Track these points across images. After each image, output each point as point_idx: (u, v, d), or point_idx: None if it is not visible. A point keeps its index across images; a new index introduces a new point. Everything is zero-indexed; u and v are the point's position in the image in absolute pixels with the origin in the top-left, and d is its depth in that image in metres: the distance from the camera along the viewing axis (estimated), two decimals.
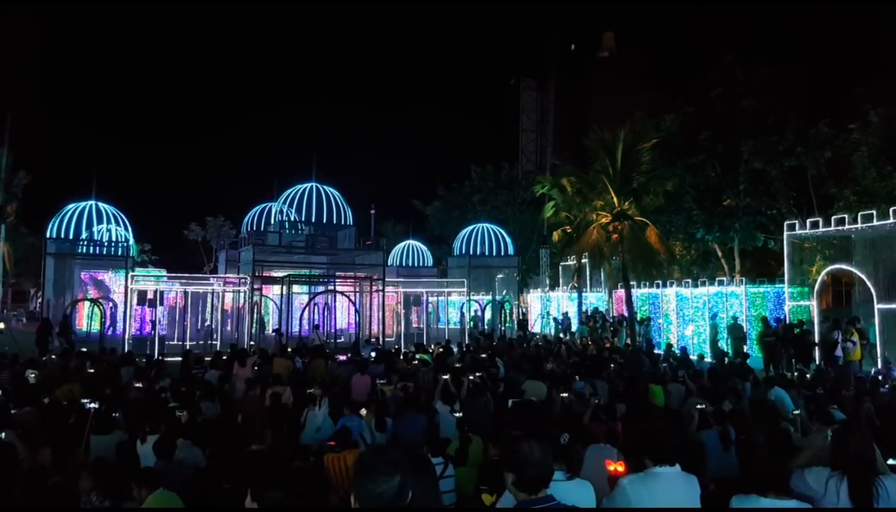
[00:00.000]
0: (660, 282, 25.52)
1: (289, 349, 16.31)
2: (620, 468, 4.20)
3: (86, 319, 26.31)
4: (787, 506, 3.24)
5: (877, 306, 16.37)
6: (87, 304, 25.68)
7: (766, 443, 3.42)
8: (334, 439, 6.41)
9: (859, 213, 17.01)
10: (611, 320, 26.11)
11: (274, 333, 22.63)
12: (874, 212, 16.62)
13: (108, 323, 23.14)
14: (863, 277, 17.03)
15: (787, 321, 18.45)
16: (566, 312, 29.09)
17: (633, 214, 22.99)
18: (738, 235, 28.93)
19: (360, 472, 2.27)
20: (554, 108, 69.24)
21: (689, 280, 25.53)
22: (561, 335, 26.12)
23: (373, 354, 15.05)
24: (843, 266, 18.33)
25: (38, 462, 5.74)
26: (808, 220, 18.95)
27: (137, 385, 10.02)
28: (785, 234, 19.35)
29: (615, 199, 23.18)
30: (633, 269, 24.12)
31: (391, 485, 2.15)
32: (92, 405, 7.41)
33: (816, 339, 17.40)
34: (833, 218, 17.75)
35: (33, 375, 11.01)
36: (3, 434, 5.63)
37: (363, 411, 7.16)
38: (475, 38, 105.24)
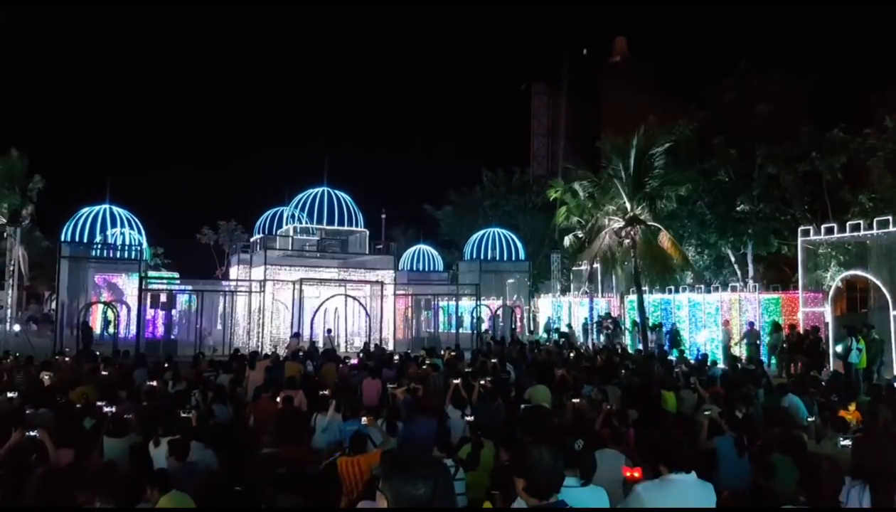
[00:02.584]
0: (672, 287, 25.35)
1: (300, 353, 16.36)
2: (637, 474, 4.18)
3: (99, 322, 26.57)
4: None
5: (892, 313, 16.18)
6: (100, 306, 25.92)
7: (831, 468, 3.39)
8: (350, 444, 6.42)
9: (875, 219, 16.83)
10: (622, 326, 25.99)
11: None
12: (890, 218, 16.42)
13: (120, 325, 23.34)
14: (878, 283, 16.84)
15: (801, 328, 18.27)
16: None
17: (645, 219, 22.88)
18: (751, 241, 28.72)
19: (394, 473, 2.23)
20: (565, 113, 69.23)
21: (702, 285, 25.35)
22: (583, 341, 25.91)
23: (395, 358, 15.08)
24: (859, 272, 18.14)
25: (58, 463, 5.79)
26: (822, 226, 18.76)
27: (152, 384, 10.14)
28: (799, 239, 19.18)
29: (628, 204, 23.07)
30: (647, 274, 23.99)
31: (428, 487, 2.13)
32: (108, 409, 7.47)
33: (830, 345, 17.24)
34: (848, 224, 17.56)
35: (48, 377, 11.13)
36: (36, 432, 5.69)
37: (364, 420, 7.16)
38: (486, 44, 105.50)
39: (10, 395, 8.71)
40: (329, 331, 23.46)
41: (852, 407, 8.00)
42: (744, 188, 28.29)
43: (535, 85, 72.85)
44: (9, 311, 25.91)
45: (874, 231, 16.49)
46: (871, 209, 24.20)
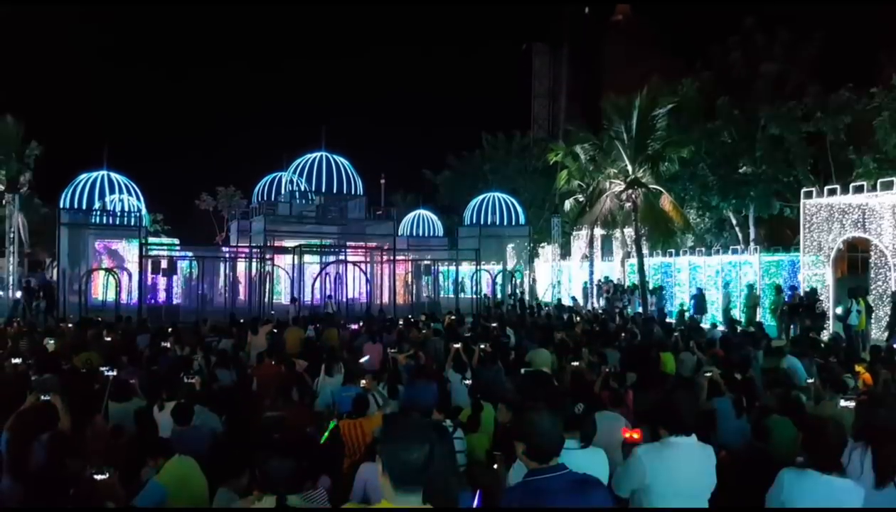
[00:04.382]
0: (672, 251, 25.36)
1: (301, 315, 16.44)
2: (636, 436, 4.21)
3: (101, 289, 26.67)
4: (845, 485, 3.29)
5: (894, 275, 16.20)
6: (101, 273, 25.99)
7: (834, 429, 3.40)
8: (352, 406, 6.50)
9: (878, 181, 16.70)
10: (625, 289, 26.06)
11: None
12: (894, 179, 16.30)
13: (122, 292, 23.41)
14: (880, 245, 16.82)
15: (802, 290, 18.31)
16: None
17: (647, 182, 22.73)
18: (753, 203, 28.58)
19: (389, 439, 2.29)
20: (567, 74, 68.21)
21: (703, 248, 25.34)
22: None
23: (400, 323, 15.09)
24: (861, 234, 18.08)
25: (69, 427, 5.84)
26: (825, 188, 18.63)
27: (165, 345, 10.24)
28: (802, 201, 19.10)
29: (629, 167, 22.91)
30: (648, 237, 23.96)
31: (421, 453, 2.18)
32: (110, 373, 7.51)
33: (830, 307, 17.32)
34: (851, 185, 17.45)
35: (52, 343, 11.20)
36: (50, 396, 5.72)
37: (363, 382, 7.22)
38: (485, 4, 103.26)
39: (14, 361, 8.77)
40: (329, 297, 23.47)
41: (860, 368, 8.07)
42: (747, 150, 28.03)
43: (535, 46, 71.52)
44: (11, 278, 25.94)
45: (877, 192, 16.38)
46: (874, 170, 23.99)
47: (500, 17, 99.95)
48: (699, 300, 21.50)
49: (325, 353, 9.82)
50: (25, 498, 4.14)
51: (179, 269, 24.99)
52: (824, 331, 16.36)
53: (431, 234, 38.50)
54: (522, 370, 8.35)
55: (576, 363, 8.34)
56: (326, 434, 6.08)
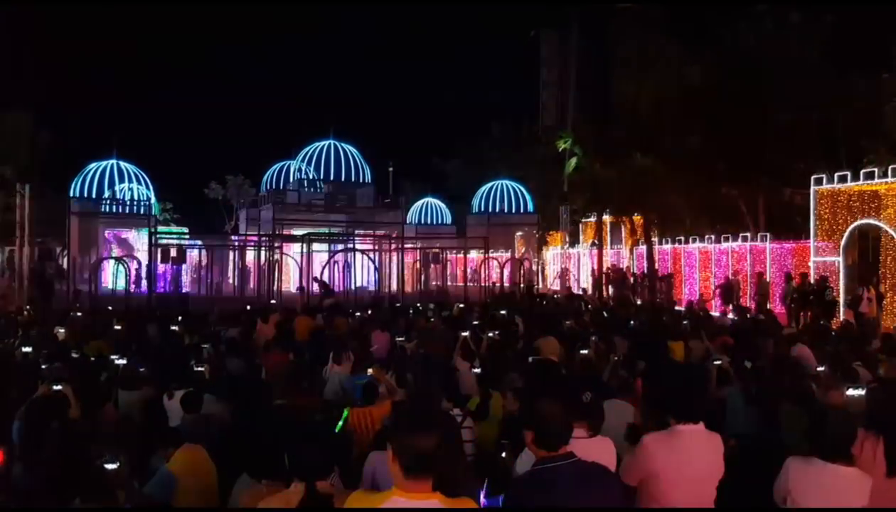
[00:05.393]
0: (681, 238, 25.21)
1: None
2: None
3: (111, 277, 26.88)
4: (851, 473, 3.29)
5: None
6: (111, 262, 26.17)
7: (841, 418, 3.38)
8: (361, 394, 6.52)
9: (889, 167, 16.52)
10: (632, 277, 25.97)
11: (298, 291, 22.77)
12: None
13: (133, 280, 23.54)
14: (892, 232, 16.66)
15: (812, 278, 18.19)
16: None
17: (655, 169, 22.59)
18: (763, 190, 28.34)
19: (399, 426, 2.35)
20: (576, 62, 67.49)
21: (712, 235, 25.19)
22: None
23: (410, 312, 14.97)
24: (871, 221, 17.92)
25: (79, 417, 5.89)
26: (836, 174, 18.46)
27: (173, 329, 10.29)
28: (812, 188, 18.92)
29: (637, 153, 22.75)
30: (656, 224, 23.84)
31: (432, 440, 2.22)
32: (121, 362, 7.56)
33: (841, 295, 17.20)
34: (862, 172, 17.27)
35: (62, 332, 11.28)
36: (60, 385, 5.76)
37: (370, 371, 7.23)
38: None
39: (25, 350, 8.84)
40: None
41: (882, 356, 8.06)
42: (757, 135, 27.74)
43: (542, 33, 70.83)
44: (21, 267, 26.17)
45: (888, 179, 16.20)
46: (886, 156, 23.71)
47: (508, 3, 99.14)
48: (725, 289, 20.82)
49: (334, 341, 9.84)
50: (37, 486, 4.18)
51: (189, 257, 25.13)
52: (834, 319, 16.25)
53: (440, 222, 38.49)
54: (530, 359, 8.35)
55: (584, 351, 8.32)
56: (341, 423, 6.10)
